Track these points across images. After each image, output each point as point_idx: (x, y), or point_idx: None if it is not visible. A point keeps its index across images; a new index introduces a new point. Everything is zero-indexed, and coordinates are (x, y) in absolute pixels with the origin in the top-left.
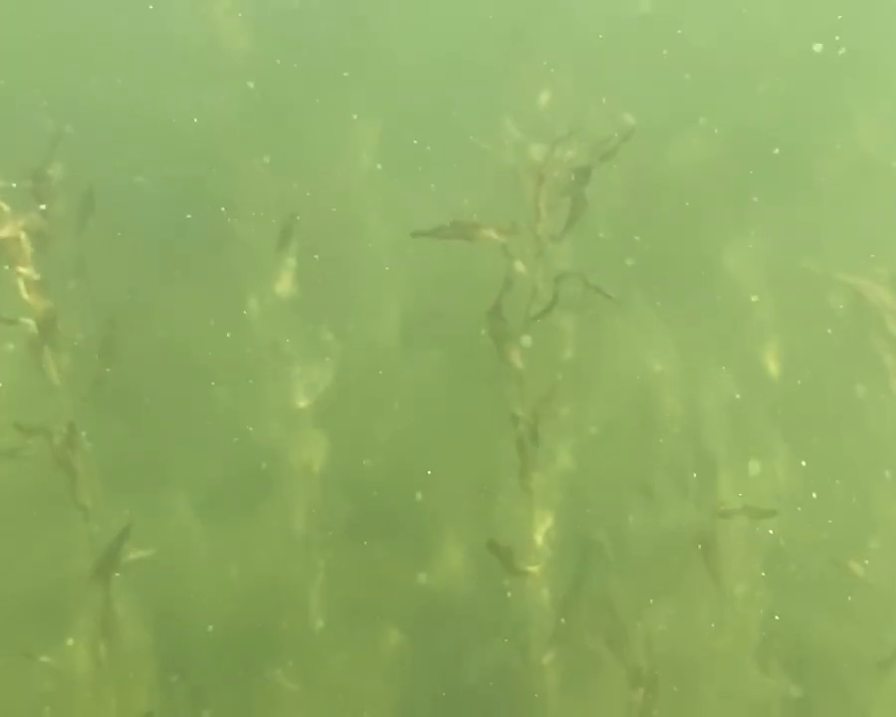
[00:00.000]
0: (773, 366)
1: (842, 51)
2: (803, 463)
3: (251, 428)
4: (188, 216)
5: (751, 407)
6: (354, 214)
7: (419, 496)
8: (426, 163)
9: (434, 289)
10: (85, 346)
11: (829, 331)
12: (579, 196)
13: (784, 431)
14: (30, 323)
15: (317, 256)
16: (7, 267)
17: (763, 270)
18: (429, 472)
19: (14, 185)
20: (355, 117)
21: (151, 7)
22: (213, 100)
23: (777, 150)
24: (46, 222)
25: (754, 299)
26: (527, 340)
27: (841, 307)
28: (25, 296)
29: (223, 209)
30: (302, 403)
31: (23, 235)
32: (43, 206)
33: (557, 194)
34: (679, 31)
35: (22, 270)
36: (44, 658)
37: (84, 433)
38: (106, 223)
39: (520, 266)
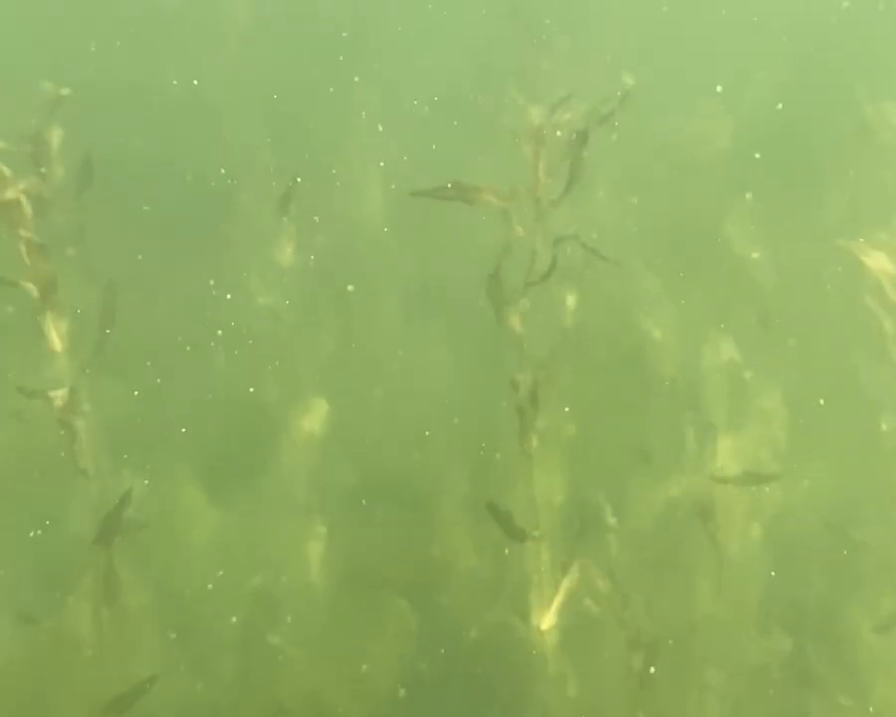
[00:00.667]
0: (771, 332)
1: (846, 4)
2: (802, 427)
3: (252, 393)
4: (188, 180)
5: (750, 372)
6: (355, 176)
7: (419, 461)
8: (426, 126)
9: (434, 254)
10: (85, 312)
11: (828, 296)
12: (578, 160)
13: (782, 396)
14: (31, 287)
15: (316, 219)
16: (9, 231)
17: (762, 235)
18: (428, 435)
19: (14, 149)
20: (357, 79)
21: None
22: (213, 63)
23: (780, 106)
24: (45, 187)
25: (753, 263)
26: (526, 304)
27: (840, 271)
28: (26, 260)
29: (223, 171)
30: (302, 368)
31: (24, 199)
32: (43, 170)
33: (556, 158)
34: None
35: (24, 234)
36: (46, 622)
37: (85, 398)
38: (105, 188)
39: (519, 230)
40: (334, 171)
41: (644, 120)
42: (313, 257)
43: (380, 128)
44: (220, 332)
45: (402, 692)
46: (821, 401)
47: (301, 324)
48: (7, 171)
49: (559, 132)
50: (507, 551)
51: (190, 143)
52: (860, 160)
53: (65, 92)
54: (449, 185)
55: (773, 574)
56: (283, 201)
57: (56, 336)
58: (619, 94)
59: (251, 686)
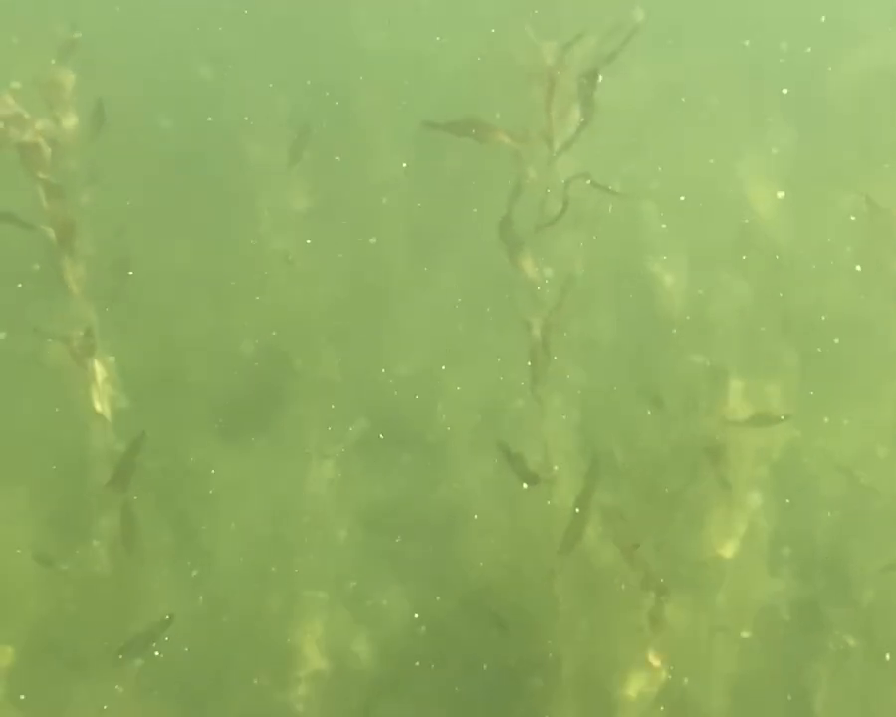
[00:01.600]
0: (784, 276)
1: None
2: (813, 372)
3: (265, 341)
4: (200, 126)
5: (762, 317)
6: (366, 121)
7: (432, 405)
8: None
9: (446, 197)
10: (100, 256)
11: (842, 240)
12: (589, 100)
13: (794, 341)
14: (49, 230)
15: (329, 163)
16: (27, 173)
17: (775, 177)
18: (440, 379)
19: (29, 91)
20: (366, 19)
21: None
22: (225, 7)
23: (786, 47)
24: (60, 131)
25: (765, 207)
26: (538, 248)
27: (853, 218)
28: (45, 203)
29: (235, 116)
30: (316, 315)
31: (42, 141)
32: (57, 114)
33: (568, 99)
34: None
35: (42, 176)
36: (63, 564)
37: (101, 342)
38: (118, 133)
39: (531, 173)
40: (346, 115)
41: (656, 58)
42: (325, 202)
43: (391, 71)
44: (233, 276)
45: (416, 634)
46: (833, 345)
47: (313, 269)
48: (26, 114)
49: (570, 72)
50: (518, 493)
51: (202, 89)
52: (876, 101)
53: (77, 35)
54: (462, 121)
55: (782, 516)
56: (296, 146)
57: (73, 279)
58: (629, 29)
59: (266, 628)
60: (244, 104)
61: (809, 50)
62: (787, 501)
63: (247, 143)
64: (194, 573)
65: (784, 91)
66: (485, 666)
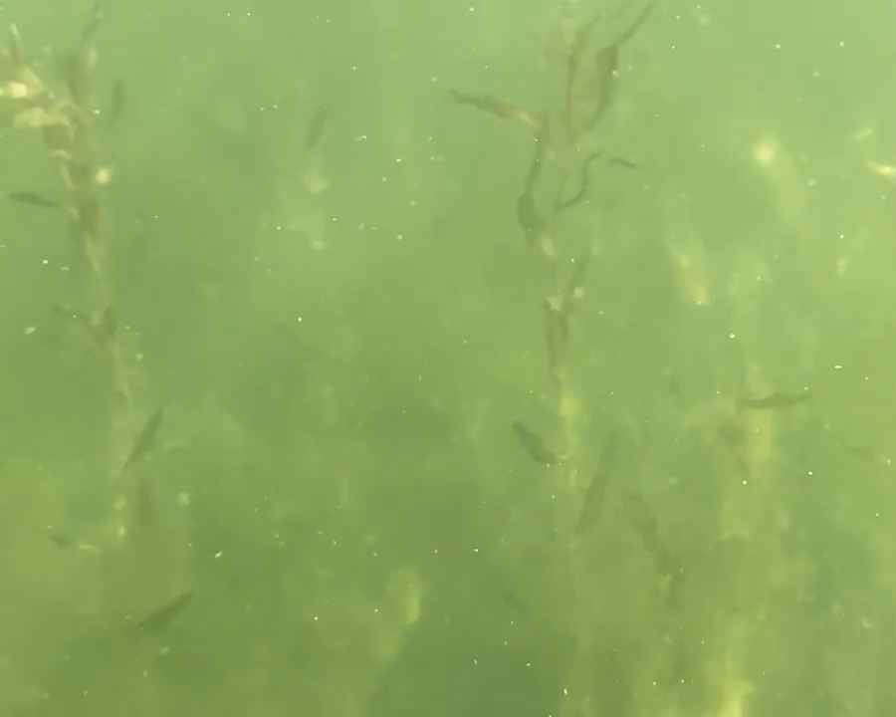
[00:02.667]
0: (802, 256)
1: None
2: (832, 352)
3: (283, 320)
4: (220, 107)
5: (779, 297)
6: (385, 101)
7: (448, 385)
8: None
9: (465, 177)
10: (121, 236)
11: (860, 220)
12: (608, 79)
13: (813, 321)
14: (73, 210)
15: (347, 144)
16: (52, 153)
17: (793, 157)
18: (458, 359)
19: (53, 71)
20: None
21: None
22: None
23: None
24: (82, 110)
25: (785, 187)
26: (557, 228)
27: (884, 197)
28: (69, 183)
29: (255, 97)
30: (332, 293)
31: (66, 120)
32: (79, 94)
33: (588, 79)
34: None
35: (66, 156)
36: (81, 543)
37: (122, 321)
38: (138, 112)
39: (550, 153)
40: (364, 95)
41: (674, 40)
42: (343, 182)
43: (411, 50)
44: (253, 257)
45: (432, 614)
46: (853, 325)
47: (331, 249)
48: (50, 93)
49: (590, 51)
50: (535, 473)
51: (222, 70)
52: (891, 80)
53: (99, 15)
54: (484, 97)
55: (799, 497)
56: (314, 126)
57: (95, 258)
58: (644, 6)
59: (281, 606)
60: (263, 83)
61: (829, 28)
62: (805, 482)
63: (266, 123)
64: (212, 552)
65: (804, 69)
66: (502, 645)
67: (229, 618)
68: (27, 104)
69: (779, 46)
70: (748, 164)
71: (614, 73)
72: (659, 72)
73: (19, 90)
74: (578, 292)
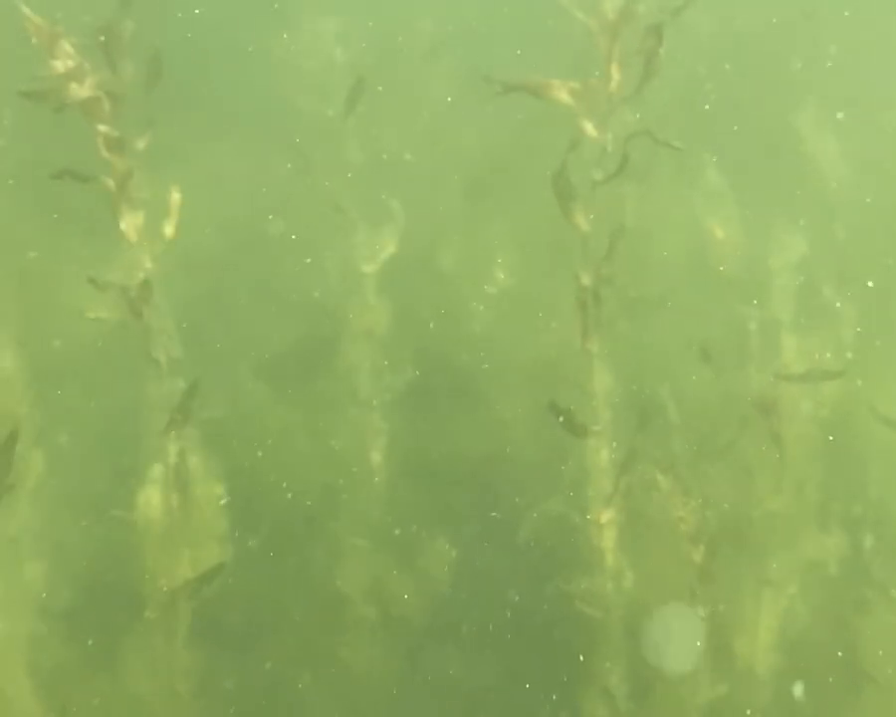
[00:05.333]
0: (841, 231)
1: None
2: (869, 326)
3: (316, 293)
4: (255, 77)
5: (817, 272)
6: (420, 72)
7: (481, 357)
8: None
9: (499, 149)
10: (156, 206)
11: None
12: (654, 55)
13: (850, 295)
14: (109, 181)
15: (381, 115)
16: (87, 125)
17: (834, 131)
18: (490, 331)
19: (88, 43)
20: None
21: None
22: None
23: (847, 13)
24: (117, 81)
25: (824, 160)
26: (593, 202)
27: None
28: (104, 153)
29: (289, 67)
30: (366, 268)
31: (102, 93)
32: (115, 65)
33: (629, 54)
34: None
35: (101, 128)
36: (116, 510)
37: (158, 291)
38: (174, 83)
39: (589, 127)
40: (402, 68)
41: (718, 15)
42: (378, 154)
43: (449, 23)
44: (285, 233)
45: (462, 583)
46: (890, 302)
47: (363, 219)
48: (86, 65)
49: (632, 27)
50: (567, 445)
51: (259, 41)
52: None
53: None
54: (518, 81)
55: (833, 471)
56: (350, 98)
57: (132, 228)
58: None
59: (313, 575)
60: (298, 56)
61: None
62: (838, 456)
63: (302, 95)
64: (246, 521)
65: (846, 47)
66: (532, 616)
67: (263, 587)
68: (66, 78)
69: (825, 17)
70: (787, 135)
71: (661, 50)
72: (697, 45)
73: (58, 66)
74: (611, 264)
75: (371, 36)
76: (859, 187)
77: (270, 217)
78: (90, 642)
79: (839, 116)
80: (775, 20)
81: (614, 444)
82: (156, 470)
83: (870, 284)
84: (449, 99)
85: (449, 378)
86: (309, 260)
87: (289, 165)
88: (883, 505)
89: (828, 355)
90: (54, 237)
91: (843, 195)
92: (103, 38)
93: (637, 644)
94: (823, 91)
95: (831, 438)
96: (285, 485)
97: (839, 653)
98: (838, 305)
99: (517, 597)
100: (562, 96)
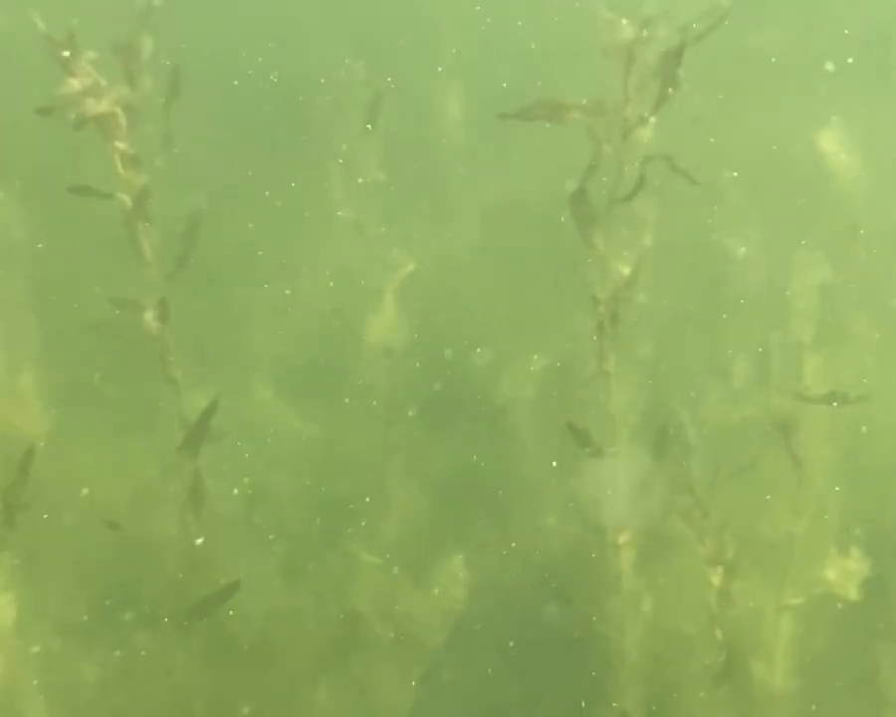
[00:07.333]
0: (863, 250)
1: None
2: (890, 349)
3: (333, 310)
4: (275, 93)
5: (838, 292)
6: (438, 91)
7: (499, 377)
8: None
9: (517, 172)
10: (172, 223)
11: None
12: (671, 78)
13: (872, 316)
14: (125, 198)
15: (399, 134)
16: (103, 142)
17: (855, 151)
18: (507, 351)
19: (106, 59)
20: None
21: None
22: None
23: (869, 29)
24: (136, 97)
25: (844, 180)
26: (610, 223)
27: None
28: (120, 170)
29: (310, 85)
30: (382, 280)
31: (118, 109)
32: (133, 81)
33: (646, 76)
34: None
35: (118, 145)
36: (132, 528)
37: (174, 308)
38: (193, 99)
39: (606, 148)
40: (420, 85)
41: (736, 36)
42: (394, 172)
43: (464, 41)
44: (303, 249)
45: (478, 603)
46: None
47: (381, 236)
48: (103, 82)
49: (650, 48)
50: (584, 465)
51: (278, 56)
52: None
53: (157, 1)
54: (534, 105)
55: (853, 495)
56: (368, 115)
57: (148, 246)
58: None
59: (329, 593)
60: (318, 74)
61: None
62: (859, 479)
63: (321, 113)
64: (263, 538)
65: (866, 64)
66: (548, 638)
67: (278, 604)
68: (83, 94)
69: (846, 31)
70: (808, 154)
71: (679, 71)
72: (716, 65)
73: (75, 84)
74: (630, 283)
75: (391, 53)
76: (882, 207)
77: (287, 230)
78: (105, 660)
79: (861, 134)
80: (794, 37)
81: (632, 464)
82: (172, 487)
83: (894, 305)
84: (467, 117)
85: (465, 396)
86: (327, 275)
87: (307, 181)
88: None
89: (850, 376)
90: (71, 255)
91: (866, 215)
92: (121, 56)
93: (654, 666)
94: (846, 109)
95: (852, 461)
96: (301, 502)
97: (859, 678)
98: (860, 326)
99: (533, 618)
100: (578, 117)
